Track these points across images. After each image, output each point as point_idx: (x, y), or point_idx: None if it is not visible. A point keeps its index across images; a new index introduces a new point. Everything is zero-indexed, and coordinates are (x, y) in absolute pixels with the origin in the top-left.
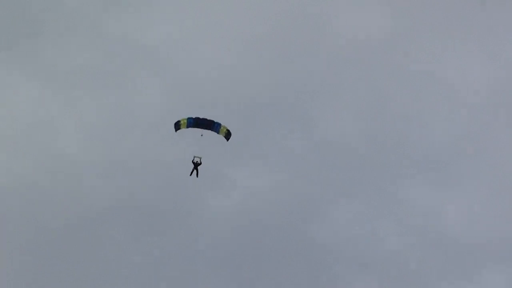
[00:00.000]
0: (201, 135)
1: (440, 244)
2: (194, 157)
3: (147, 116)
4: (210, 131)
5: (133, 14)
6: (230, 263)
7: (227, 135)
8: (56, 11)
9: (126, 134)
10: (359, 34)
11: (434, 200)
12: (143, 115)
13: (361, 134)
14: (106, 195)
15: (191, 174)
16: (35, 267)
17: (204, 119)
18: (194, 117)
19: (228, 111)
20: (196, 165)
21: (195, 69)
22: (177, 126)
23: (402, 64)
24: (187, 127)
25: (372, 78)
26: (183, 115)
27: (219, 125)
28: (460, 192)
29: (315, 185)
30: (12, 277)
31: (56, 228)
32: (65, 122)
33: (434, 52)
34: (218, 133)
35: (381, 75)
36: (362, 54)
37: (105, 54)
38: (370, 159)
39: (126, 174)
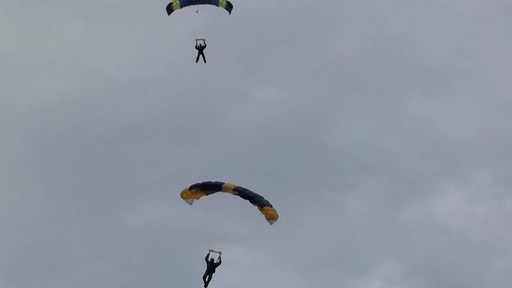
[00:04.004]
0: (197, 12)
1: (436, 147)
2: (197, 40)
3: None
4: (208, 5)
5: None
6: (250, 170)
7: (228, 7)
8: None
9: (159, 58)
10: None
11: (431, 108)
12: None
13: (364, 52)
14: (137, 112)
15: (197, 61)
16: (81, 176)
17: None
18: None
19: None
20: (200, 49)
21: None
22: (169, 8)
23: None
24: (181, 6)
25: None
26: None
27: None
28: (454, 101)
29: (324, 98)
30: (59, 185)
31: (95, 142)
32: (105, 49)
33: None
34: (217, 5)
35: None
36: None
37: None
38: (374, 74)
39: (156, 92)
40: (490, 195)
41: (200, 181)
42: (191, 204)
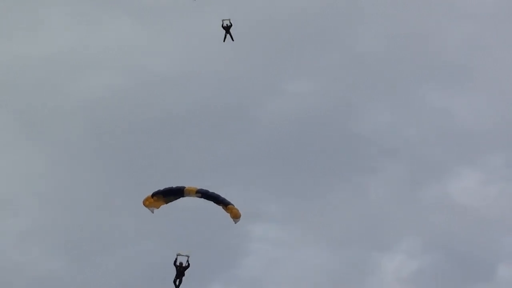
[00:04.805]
0: None
1: (452, 134)
2: (223, 21)
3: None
4: None
5: None
6: (285, 156)
7: None
8: None
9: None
10: None
11: (448, 98)
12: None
13: (387, 48)
14: (178, 104)
15: (224, 40)
16: (130, 162)
17: None
18: None
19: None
20: (227, 28)
21: None
22: None
23: None
24: None
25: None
26: None
27: None
28: (469, 92)
29: (351, 90)
30: (111, 170)
31: (144, 131)
32: (152, 45)
33: None
34: None
35: None
36: None
37: None
38: (396, 68)
39: (200, 85)
40: (502, 177)
41: (162, 188)
42: (152, 212)
